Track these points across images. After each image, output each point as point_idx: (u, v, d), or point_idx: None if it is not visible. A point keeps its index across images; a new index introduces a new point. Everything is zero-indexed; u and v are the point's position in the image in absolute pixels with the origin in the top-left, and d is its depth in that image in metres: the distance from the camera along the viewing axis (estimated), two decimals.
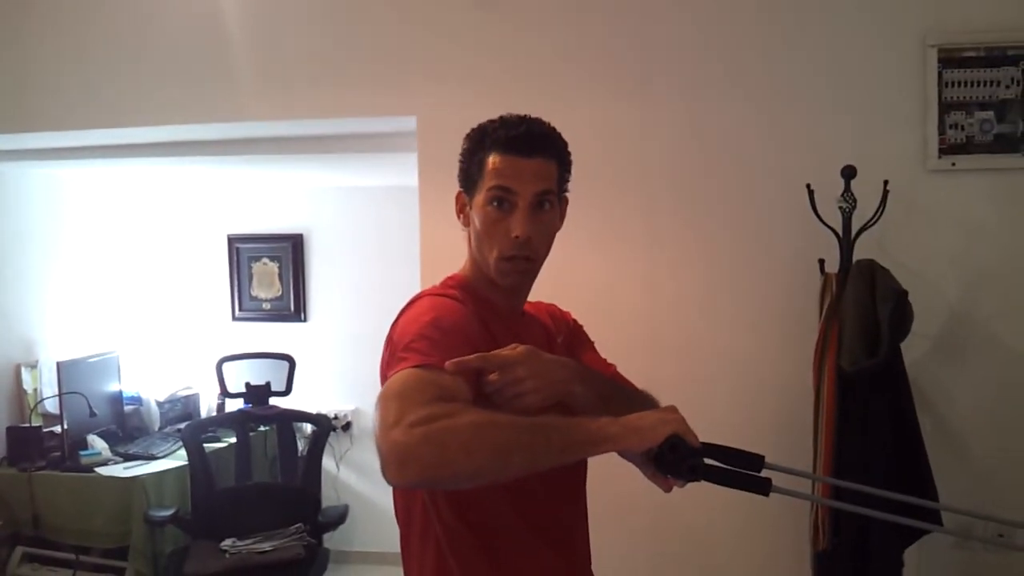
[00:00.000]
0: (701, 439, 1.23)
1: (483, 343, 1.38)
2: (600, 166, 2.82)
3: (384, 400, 1.19)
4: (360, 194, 5.11)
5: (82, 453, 4.05)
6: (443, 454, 1.11)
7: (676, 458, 1.18)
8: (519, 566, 1.49)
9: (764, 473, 1.23)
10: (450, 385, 1.22)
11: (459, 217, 1.55)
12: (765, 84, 2.80)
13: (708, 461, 1.21)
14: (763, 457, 1.22)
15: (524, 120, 1.50)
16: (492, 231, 1.46)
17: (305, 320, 5.23)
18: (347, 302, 5.12)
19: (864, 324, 2.34)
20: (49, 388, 4.21)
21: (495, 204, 1.45)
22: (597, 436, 1.19)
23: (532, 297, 1.64)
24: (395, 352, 1.32)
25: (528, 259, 1.48)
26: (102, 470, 3.96)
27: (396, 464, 1.12)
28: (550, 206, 1.49)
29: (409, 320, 1.38)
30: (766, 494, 1.19)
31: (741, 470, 1.23)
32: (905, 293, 2.28)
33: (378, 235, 5.04)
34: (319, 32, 3.09)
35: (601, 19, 2.90)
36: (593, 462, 1.43)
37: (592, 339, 1.78)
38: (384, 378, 1.40)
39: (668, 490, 1.24)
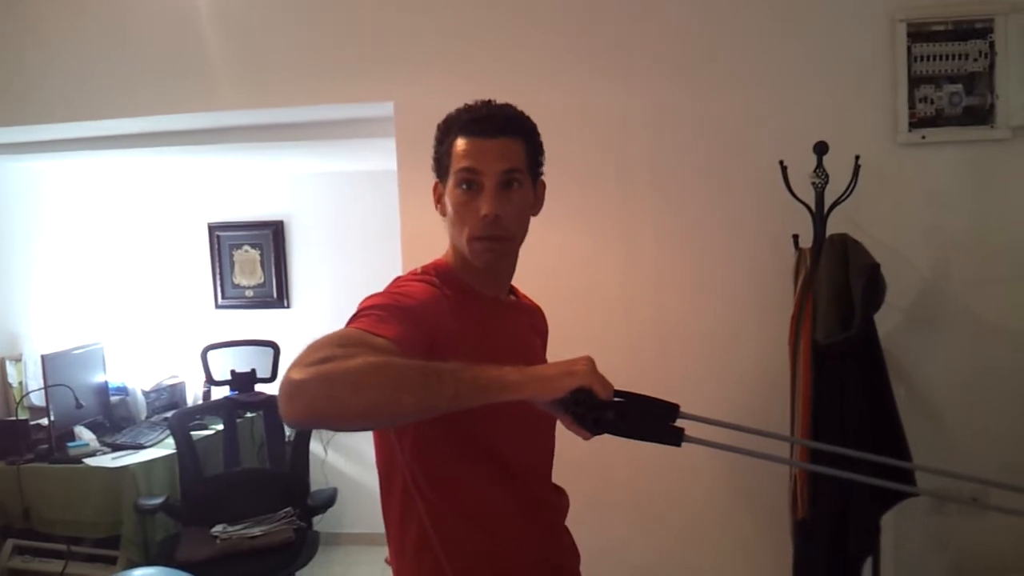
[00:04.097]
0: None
1: (454, 329, 1.39)
2: (578, 147, 2.86)
3: (303, 349, 1.17)
4: (339, 179, 5.11)
5: (70, 445, 4.05)
6: (331, 390, 1.09)
7: (583, 411, 1.16)
8: (510, 545, 1.52)
9: (680, 423, 1.20)
10: (375, 344, 1.21)
11: (437, 207, 1.56)
12: (738, 62, 2.83)
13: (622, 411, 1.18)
14: (678, 407, 1.20)
15: (487, 103, 1.52)
16: (462, 213, 1.48)
17: (288, 306, 5.24)
18: (330, 287, 5.13)
19: (838, 297, 2.39)
20: (34, 381, 4.21)
21: (463, 187, 1.47)
22: (496, 383, 1.16)
23: (516, 279, 1.66)
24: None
25: (500, 238, 1.48)
26: (90, 461, 3.96)
27: (285, 399, 1.10)
28: (519, 185, 1.49)
29: (373, 295, 1.39)
30: (678, 444, 1.18)
31: (654, 421, 1.20)
32: (877, 266, 2.32)
33: (358, 220, 5.05)
34: (295, 19, 3.10)
35: (580, 2, 2.92)
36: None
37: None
38: None
39: (586, 439, 1.21)
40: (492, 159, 1.46)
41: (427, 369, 1.15)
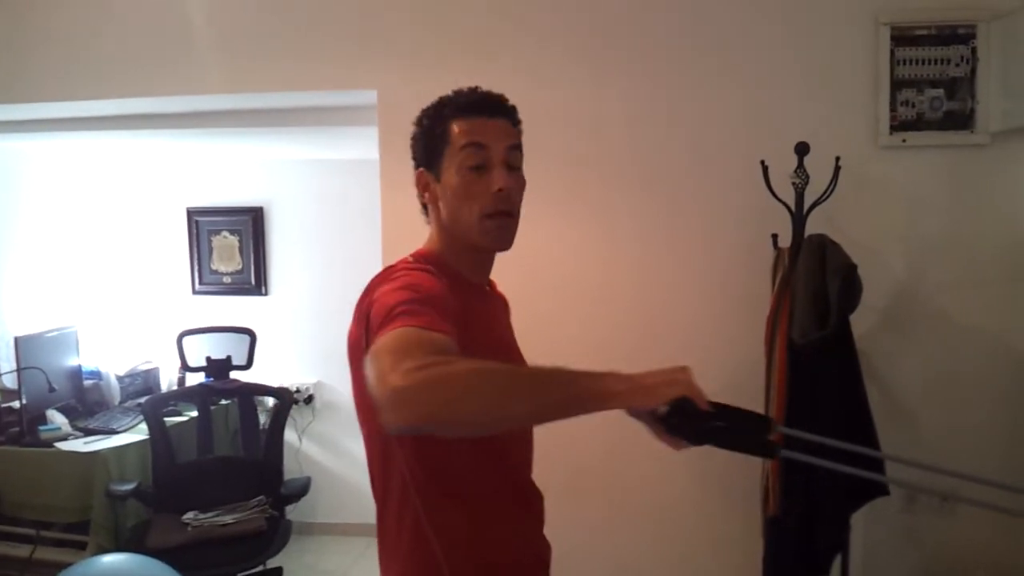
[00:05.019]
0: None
1: (459, 316, 1.37)
2: (560, 140, 2.86)
3: (378, 354, 1.16)
4: (321, 167, 5.08)
5: (41, 428, 4.02)
6: (441, 397, 1.09)
7: (682, 421, 1.16)
8: (504, 537, 1.51)
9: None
10: (442, 342, 1.20)
11: (423, 196, 1.54)
12: (722, 61, 2.83)
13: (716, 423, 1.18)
14: (772, 420, 1.20)
15: (477, 88, 1.53)
16: (471, 192, 1.46)
17: (266, 294, 5.20)
18: (308, 275, 5.10)
19: (814, 297, 2.40)
20: (7, 363, 4.16)
21: (471, 165, 1.46)
22: (601, 392, 1.15)
23: (496, 267, 1.65)
24: (380, 320, 1.28)
25: (509, 214, 1.49)
26: (62, 445, 3.93)
27: (394, 407, 1.09)
28: (518, 164, 1.51)
29: (389, 291, 1.35)
30: (773, 457, 1.18)
31: (751, 433, 1.20)
32: (854, 267, 2.33)
33: (339, 208, 5.02)
34: (280, 5, 3.08)
35: None
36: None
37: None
38: (362, 349, 1.41)
39: (678, 449, 1.21)
40: (498, 136, 1.48)
41: (534, 375, 1.16)
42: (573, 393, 1.15)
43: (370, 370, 1.14)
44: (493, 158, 1.47)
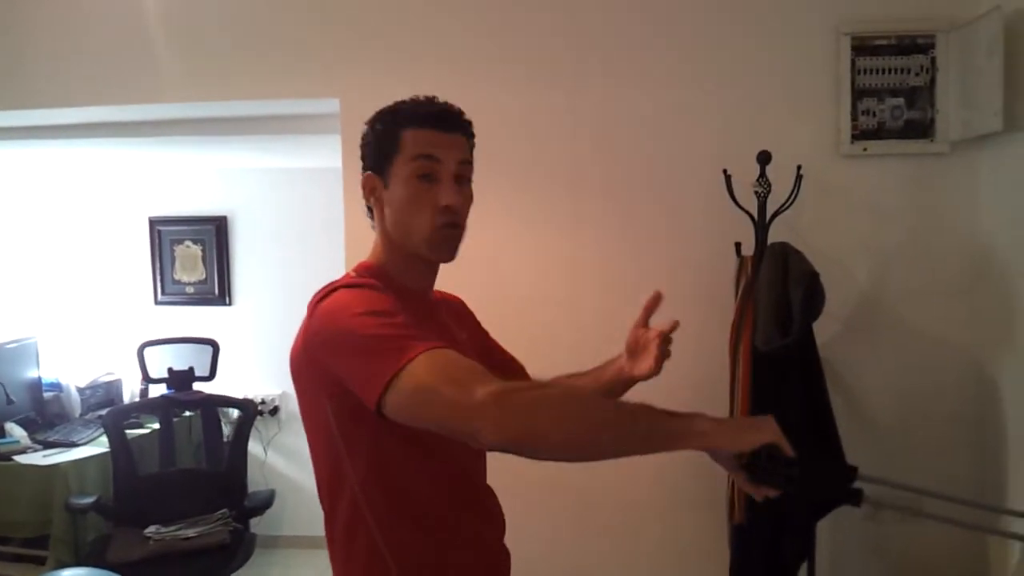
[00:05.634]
0: None
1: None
2: (524, 149, 2.85)
3: (433, 385, 1.19)
4: (284, 176, 5.05)
5: None
6: (537, 422, 1.15)
7: (773, 467, 1.18)
8: (463, 551, 1.50)
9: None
10: (470, 361, 1.25)
11: (368, 200, 1.53)
12: (685, 71, 2.84)
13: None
14: (856, 469, 1.21)
15: (434, 99, 1.52)
16: (420, 202, 1.45)
17: (230, 304, 5.16)
18: (272, 285, 5.06)
19: (777, 305, 2.41)
20: None
21: (421, 175, 1.45)
22: (686, 430, 1.19)
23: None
24: (377, 349, 1.25)
25: (456, 226, 1.48)
26: (20, 458, 3.88)
27: (491, 429, 1.14)
28: (468, 179, 1.51)
29: (356, 315, 1.32)
30: (858, 505, 1.19)
31: (836, 481, 1.22)
32: (816, 275, 2.35)
33: (303, 217, 5.00)
34: (242, 13, 3.05)
35: (526, 3, 2.92)
36: None
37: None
38: (306, 364, 1.40)
39: (761, 498, 1.24)
40: (450, 149, 1.47)
41: (622, 406, 1.20)
42: (660, 427, 1.20)
43: (435, 398, 1.19)
44: (443, 171, 1.46)
